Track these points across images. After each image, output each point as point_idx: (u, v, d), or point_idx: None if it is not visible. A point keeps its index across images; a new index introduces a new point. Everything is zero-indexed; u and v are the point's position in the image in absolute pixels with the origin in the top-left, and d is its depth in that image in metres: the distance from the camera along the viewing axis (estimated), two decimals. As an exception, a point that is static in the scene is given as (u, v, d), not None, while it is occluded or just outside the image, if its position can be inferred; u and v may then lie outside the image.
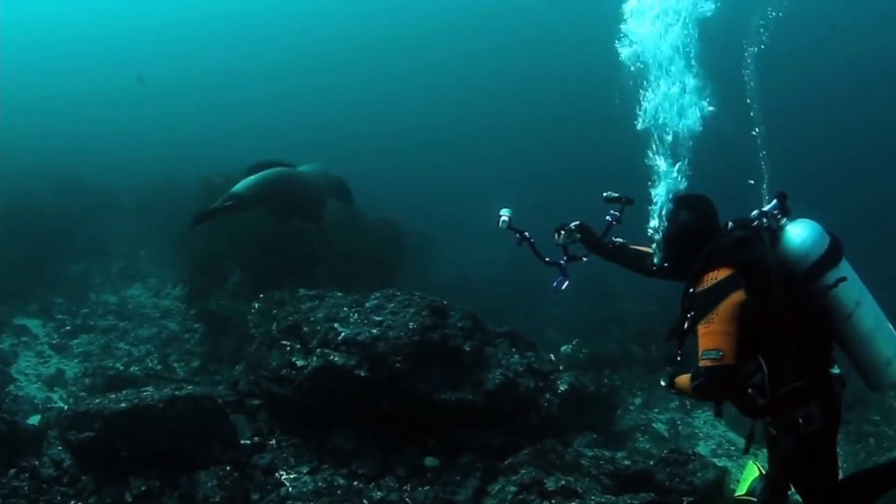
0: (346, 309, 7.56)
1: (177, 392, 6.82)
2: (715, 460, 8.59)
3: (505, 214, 5.16)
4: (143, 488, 6.18)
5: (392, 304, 7.58)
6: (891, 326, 4.50)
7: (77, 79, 46.81)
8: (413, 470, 7.13)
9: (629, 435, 10.38)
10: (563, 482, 6.05)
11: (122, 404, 6.42)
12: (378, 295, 7.83)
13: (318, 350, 7.17)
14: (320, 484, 6.85)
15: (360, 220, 13.36)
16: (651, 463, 7.24)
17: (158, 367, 11.16)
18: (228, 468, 6.54)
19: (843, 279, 4.44)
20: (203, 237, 11.86)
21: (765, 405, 4.34)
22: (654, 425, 11.58)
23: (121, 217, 19.59)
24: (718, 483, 6.77)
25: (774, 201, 4.62)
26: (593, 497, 5.90)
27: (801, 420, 4.29)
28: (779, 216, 4.56)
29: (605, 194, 5.30)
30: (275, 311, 7.93)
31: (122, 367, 10.98)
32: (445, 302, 7.89)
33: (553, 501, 5.87)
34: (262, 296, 8.48)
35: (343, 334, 7.14)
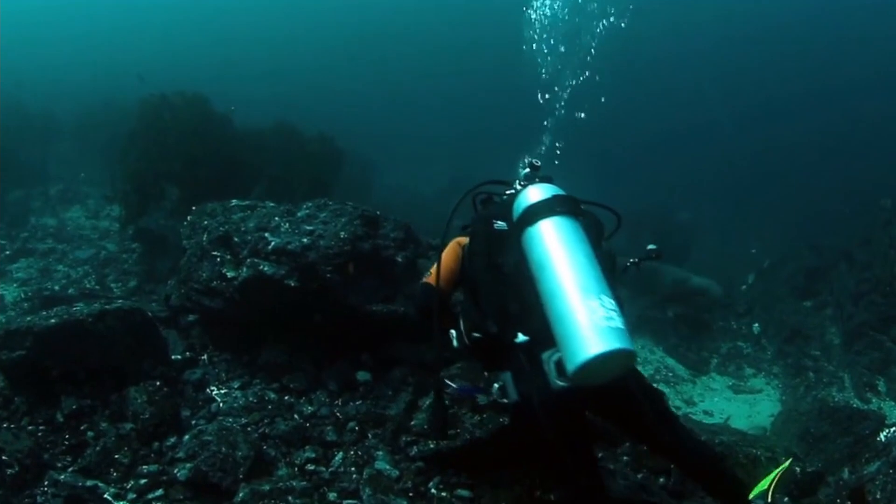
0: (277, 219, 7.37)
1: (106, 306, 6.62)
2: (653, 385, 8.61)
3: None
4: (73, 407, 6.03)
5: (324, 214, 7.40)
6: (599, 304, 3.77)
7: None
8: (345, 384, 7.05)
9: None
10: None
11: (52, 320, 6.23)
12: (310, 204, 7.63)
13: (249, 260, 6.99)
14: (251, 399, 6.73)
15: (296, 138, 13.21)
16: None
17: (96, 287, 11.01)
18: (158, 383, 6.39)
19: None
20: (140, 156, 11.72)
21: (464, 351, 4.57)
22: (591, 349, 11.61)
23: (60, 140, 19.33)
24: (655, 405, 6.69)
25: (527, 168, 4.75)
26: (525, 412, 5.82)
27: (496, 387, 4.36)
28: (525, 182, 4.62)
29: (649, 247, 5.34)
30: (206, 222, 7.72)
31: (58, 289, 10.81)
32: (378, 212, 7.73)
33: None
34: (194, 208, 8.25)
35: (273, 244, 6.96)
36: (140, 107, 12.47)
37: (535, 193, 4.34)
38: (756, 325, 14.60)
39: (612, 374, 3.84)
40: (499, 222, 4.50)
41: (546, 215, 4.16)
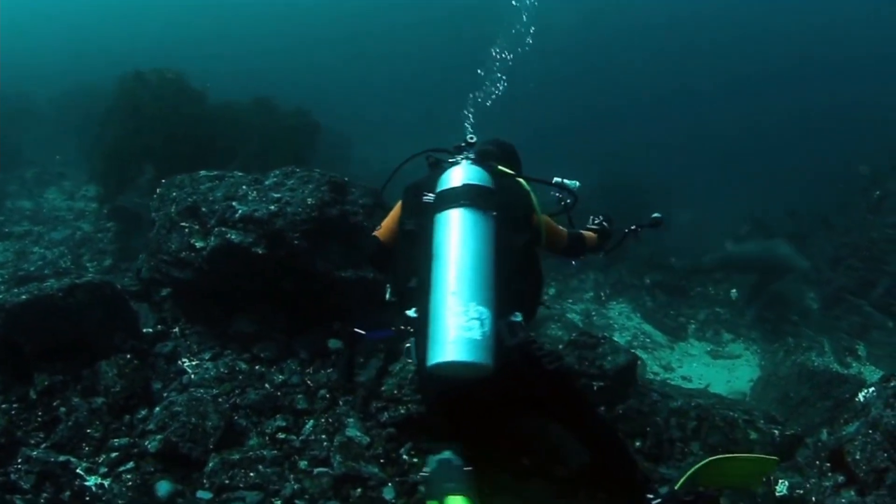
0: (244, 187, 7.30)
1: (76, 280, 6.57)
2: (631, 352, 8.53)
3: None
4: (46, 383, 6.00)
5: (291, 181, 7.34)
6: (464, 311, 3.95)
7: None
8: (316, 353, 7.02)
9: (542, 324, 10.38)
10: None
11: (23, 296, 6.16)
12: (277, 172, 7.57)
13: (216, 229, 6.93)
14: (222, 370, 6.71)
15: (273, 112, 13.21)
16: (560, 346, 7.15)
17: (71, 267, 11.00)
18: (129, 356, 6.37)
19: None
20: (116, 134, 11.71)
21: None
22: (568, 315, 11.63)
23: (37, 123, 19.26)
24: (630, 368, 6.67)
25: (463, 143, 4.94)
26: (496, 377, 5.80)
27: (406, 346, 4.45)
28: (458, 157, 4.85)
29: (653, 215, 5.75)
30: (174, 194, 7.65)
31: (34, 270, 10.78)
32: (346, 179, 7.69)
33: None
34: (163, 181, 8.19)
35: (240, 212, 6.90)
36: (116, 84, 12.47)
37: (455, 177, 4.50)
38: (734, 290, 14.61)
39: (468, 376, 4.02)
40: (427, 195, 4.65)
41: (452, 205, 4.34)
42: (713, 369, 11.76)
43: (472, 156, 4.92)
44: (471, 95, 5.72)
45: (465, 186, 4.41)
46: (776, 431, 6.31)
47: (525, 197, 4.92)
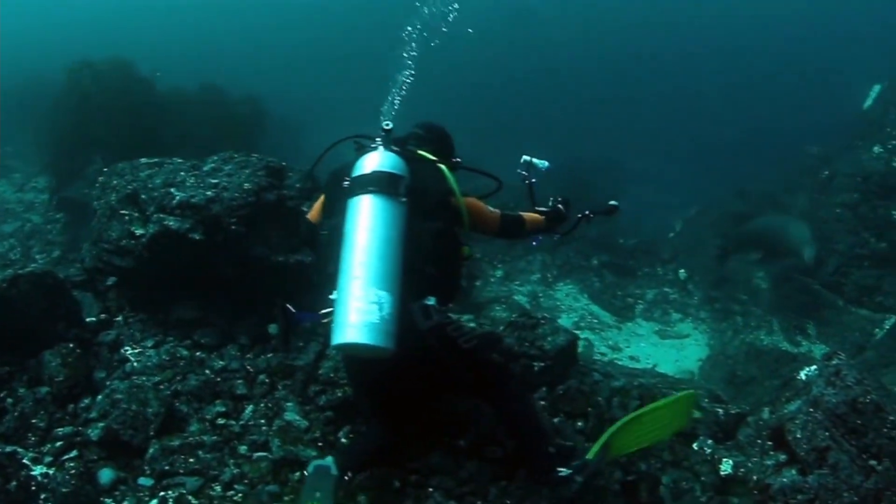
0: (182, 173, 7.28)
1: (19, 271, 6.56)
2: (578, 333, 8.53)
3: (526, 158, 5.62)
4: (-7, 375, 5.95)
5: (229, 167, 7.34)
6: (364, 295, 4.10)
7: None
8: (256, 338, 7.08)
9: (487, 306, 10.40)
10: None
11: (-33, 289, 6.16)
12: (216, 158, 7.57)
13: (155, 216, 6.92)
14: (164, 357, 6.71)
15: (222, 101, 13.20)
16: (501, 328, 7.18)
17: (20, 259, 10.95)
18: (72, 346, 6.39)
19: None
20: (64, 123, 11.69)
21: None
22: (515, 297, 11.66)
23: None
24: (570, 348, 6.71)
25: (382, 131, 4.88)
26: (434, 359, 5.84)
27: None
28: (374, 143, 4.82)
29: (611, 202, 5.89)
30: (115, 182, 7.60)
31: (-18, 265, 10.73)
32: (284, 163, 7.70)
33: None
34: (104, 169, 8.16)
35: (178, 198, 6.87)
36: (67, 74, 12.46)
37: (368, 164, 4.57)
38: (682, 271, 14.70)
39: (370, 357, 4.24)
40: (346, 180, 4.69)
41: (362, 192, 4.43)
42: (661, 349, 11.84)
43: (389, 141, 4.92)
44: (409, 29, 5.76)
45: (375, 174, 4.48)
46: (720, 410, 6.35)
47: (441, 181, 4.92)
